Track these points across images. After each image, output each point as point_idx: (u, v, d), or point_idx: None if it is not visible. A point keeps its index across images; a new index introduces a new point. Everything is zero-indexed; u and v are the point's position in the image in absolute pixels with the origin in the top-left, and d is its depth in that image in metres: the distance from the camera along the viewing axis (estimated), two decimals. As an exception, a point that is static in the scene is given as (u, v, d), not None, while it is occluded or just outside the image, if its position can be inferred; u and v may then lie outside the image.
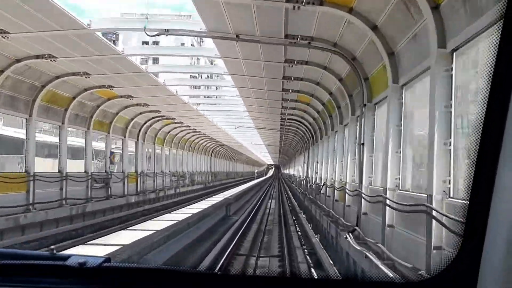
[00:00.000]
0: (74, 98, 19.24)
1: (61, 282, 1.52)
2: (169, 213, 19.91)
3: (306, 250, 17.28)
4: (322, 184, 20.99)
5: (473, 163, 1.41)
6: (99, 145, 26.79)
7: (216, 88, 28.18)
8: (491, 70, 1.35)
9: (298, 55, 13.63)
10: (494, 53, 1.34)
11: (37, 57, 14.45)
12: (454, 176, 6.40)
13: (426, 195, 6.50)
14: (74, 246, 13.38)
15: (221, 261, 14.61)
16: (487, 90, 1.35)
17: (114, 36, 55.26)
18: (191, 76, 26.06)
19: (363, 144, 11.50)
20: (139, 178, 28.51)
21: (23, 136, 17.30)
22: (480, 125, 1.38)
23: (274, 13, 10.28)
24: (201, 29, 11.74)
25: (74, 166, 22.78)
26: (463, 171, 6.14)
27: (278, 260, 15.91)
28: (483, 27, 5.32)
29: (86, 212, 20.60)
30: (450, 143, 6.47)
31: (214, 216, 22.91)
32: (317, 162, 24.63)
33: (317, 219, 20.81)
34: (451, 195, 6.37)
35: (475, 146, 1.40)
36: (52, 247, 1.91)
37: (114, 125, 24.30)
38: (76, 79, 17.37)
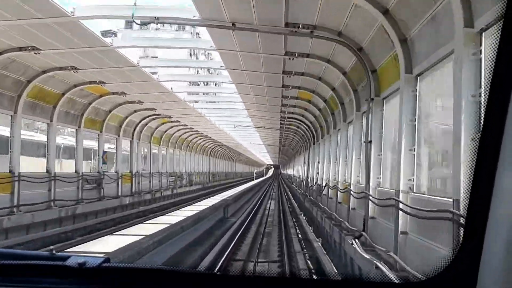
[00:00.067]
0: (63, 94, 18.28)
1: (60, 282, 1.52)
2: (162, 215, 18.98)
3: (307, 255, 16.33)
4: (324, 185, 20.03)
5: (473, 163, 1.41)
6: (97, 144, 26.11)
7: (215, 85, 27.19)
8: (491, 70, 1.35)
9: (299, 46, 12.68)
10: (494, 53, 1.33)
11: (20, 49, 13.50)
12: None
13: (452, 200, 5.53)
14: (74, 246, 12.80)
15: (219, 265, 13.72)
16: (487, 90, 1.36)
17: (114, 35, 54.81)
18: (189, 83, 25.03)
19: (370, 142, 10.54)
20: (134, 179, 27.57)
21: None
22: (480, 125, 1.41)
23: (273, -2, 9.36)
24: (194, 17, 10.79)
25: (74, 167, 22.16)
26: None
27: (277, 266, 14.97)
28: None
29: (76, 214, 19.65)
30: (479, 138, 5.51)
31: (211, 218, 21.99)
32: (318, 162, 23.68)
33: (318, 221, 19.86)
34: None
35: (475, 146, 1.42)
36: (52, 247, 2.61)
37: (107, 123, 23.34)
38: (64, 74, 16.40)
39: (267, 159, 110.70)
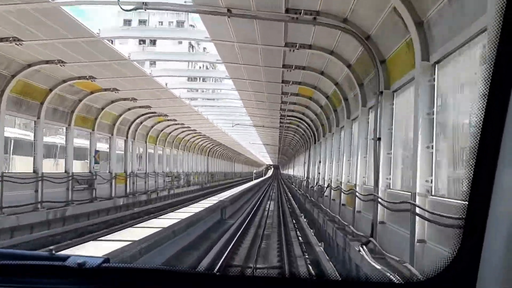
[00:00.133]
0: (51, 90, 17.33)
1: (60, 282, 1.51)
2: (155, 218, 18.02)
3: (308, 260, 15.37)
4: (326, 186, 19.08)
5: (473, 162, 1.40)
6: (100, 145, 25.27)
7: (214, 81, 26.22)
8: (491, 70, 1.35)
9: (301, 36, 11.74)
10: (494, 53, 1.34)
11: (1, 40, 12.56)
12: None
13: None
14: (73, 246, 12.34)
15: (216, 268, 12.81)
16: (487, 90, 1.36)
17: (111, 42, 53.99)
18: (187, 79, 24.01)
19: (379, 139, 9.59)
20: (128, 179, 26.61)
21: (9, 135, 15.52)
22: (480, 125, 1.39)
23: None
24: (185, 2, 9.85)
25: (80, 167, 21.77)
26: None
27: (277, 273, 14.02)
28: None
29: (66, 217, 18.69)
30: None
31: (208, 220, 21.05)
32: (320, 162, 22.73)
33: (320, 224, 18.91)
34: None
35: (475, 145, 1.41)
36: (51, 247, 1.33)
37: (99, 121, 22.39)
38: (50, 68, 15.45)
39: (267, 159, 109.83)
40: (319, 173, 22.74)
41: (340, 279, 1.69)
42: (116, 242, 10.82)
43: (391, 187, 9.40)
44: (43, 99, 17.27)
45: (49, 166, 19.73)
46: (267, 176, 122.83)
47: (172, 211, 21.21)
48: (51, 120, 18.67)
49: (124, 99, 21.81)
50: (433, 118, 7.09)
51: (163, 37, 17.11)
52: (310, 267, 14.27)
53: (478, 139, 1.39)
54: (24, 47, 13.08)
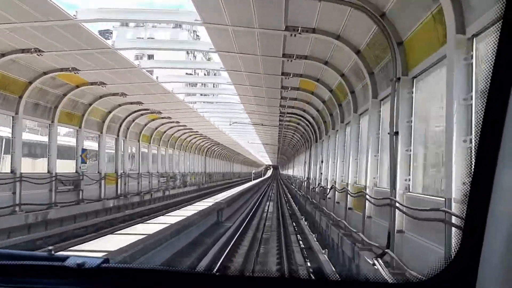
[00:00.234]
0: (30, 83, 15.89)
1: (60, 282, 1.51)
2: (145, 221, 16.61)
3: (311, 269, 13.96)
4: (329, 187, 17.67)
5: (472, 162, 1.39)
6: (94, 144, 24.23)
7: (206, 74, 24.79)
8: (491, 70, 1.33)
9: (303, 19, 10.33)
10: (494, 53, 1.32)
11: (-34, 24, 11.17)
12: None
13: None
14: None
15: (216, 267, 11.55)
16: (487, 90, 1.35)
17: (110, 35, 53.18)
18: (186, 73, 22.60)
19: (396, 133, 8.18)
20: (120, 180, 25.18)
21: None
22: (480, 125, 1.37)
23: None
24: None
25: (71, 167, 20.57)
26: None
27: (277, 273, 12.59)
28: None
29: (48, 220, 17.27)
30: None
31: (203, 223, 19.65)
32: (322, 162, 21.33)
33: (322, 229, 17.51)
34: None
35: (475, 145, 1.40)
36: (50, 247, 1.74)
37: (87, 118, 20.94)
38: (27, 57, 14.02)
39: (266, 159, 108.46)
40: (321, 173, 21.34)
41: (340, 279, 1.64)
42: (94, 254, 9.47)
43: (410, 190, 8.00)
44: (22, 92, 15.85)
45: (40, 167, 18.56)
46: (266, 176, 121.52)
47: (163, 215, 19.79)
48: (32, 116, 17.26)
49: (113, 94, 20.37)
50: (471, 104, 5.68)
51: (149, 19, 15.59)
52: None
53: (478, 138, 1.38)
54: (-6, 33, 11.69)
